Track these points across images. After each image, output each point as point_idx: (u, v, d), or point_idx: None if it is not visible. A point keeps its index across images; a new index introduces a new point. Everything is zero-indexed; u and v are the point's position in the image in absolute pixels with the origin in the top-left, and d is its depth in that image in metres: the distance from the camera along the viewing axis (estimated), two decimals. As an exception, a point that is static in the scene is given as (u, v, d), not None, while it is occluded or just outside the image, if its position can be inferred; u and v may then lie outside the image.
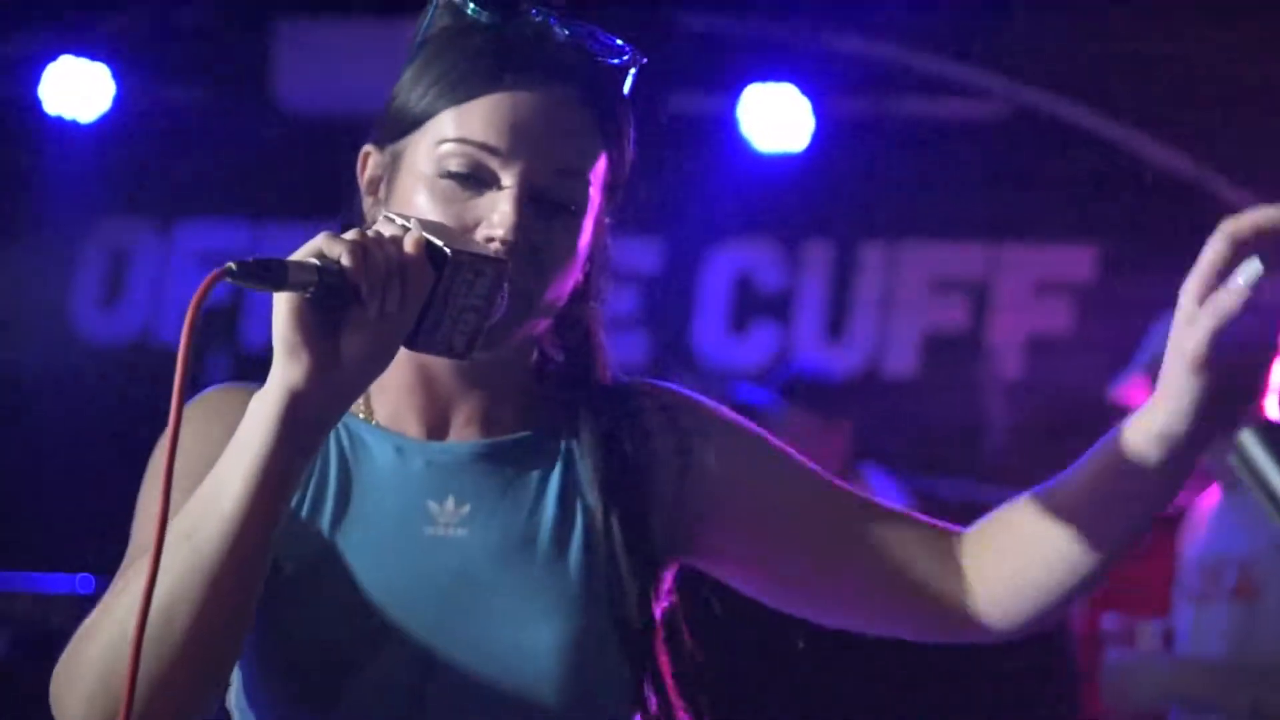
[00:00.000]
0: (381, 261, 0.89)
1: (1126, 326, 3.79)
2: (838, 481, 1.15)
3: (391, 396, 1.09)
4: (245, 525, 0.91)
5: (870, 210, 4.57)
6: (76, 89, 4.39)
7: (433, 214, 1.02)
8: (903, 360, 4.74)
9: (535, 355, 1.13)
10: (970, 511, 1.28)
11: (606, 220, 1.12)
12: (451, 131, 1.04)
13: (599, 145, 1.06)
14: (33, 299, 4.84)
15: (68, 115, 4.40)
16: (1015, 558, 1.05)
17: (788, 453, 1.14)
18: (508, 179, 1.02)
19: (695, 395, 1.17)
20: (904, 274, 4.61)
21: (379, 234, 0.92)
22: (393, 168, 1.08)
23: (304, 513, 1.06)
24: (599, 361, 1.15)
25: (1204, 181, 4.11)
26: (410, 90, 1.08)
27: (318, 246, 0.89)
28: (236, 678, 1.05)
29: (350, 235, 0.90)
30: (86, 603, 3.00)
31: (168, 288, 4.88)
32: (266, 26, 4.59)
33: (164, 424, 0.95)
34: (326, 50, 4.61)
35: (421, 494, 1.08)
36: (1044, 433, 4.25)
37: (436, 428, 1.09)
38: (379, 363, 0.93)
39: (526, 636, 1.05)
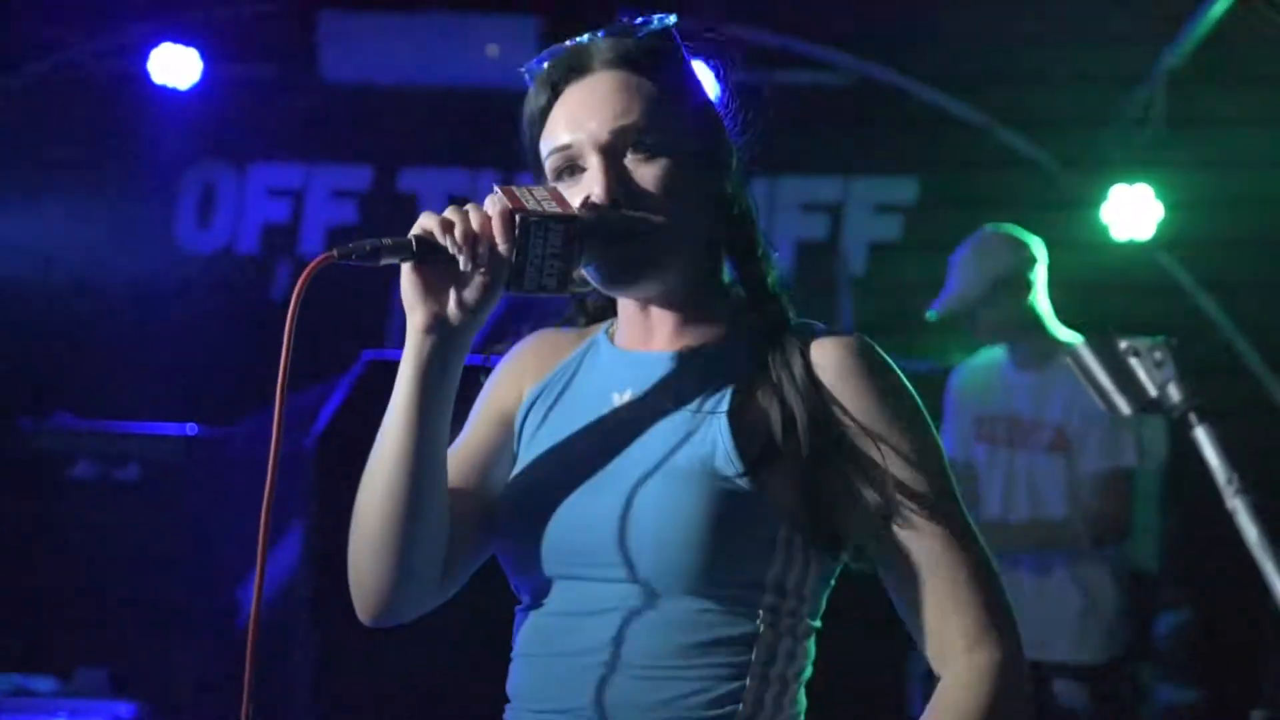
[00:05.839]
0: (464, 228, 0.92)
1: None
2: None
3: (622, 321, 1.11)
4: (399, 433, 0.98)
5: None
6: (175, 65, 4.65)
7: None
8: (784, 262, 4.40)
9: (723, 287, 1.10)
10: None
11: (732, 164, 1.05)
12: (545, 149, 1.06)
13: (639, 97, 1.01)
14: (144, 220, 5.17)
15: (170, 85, 4.67)
16: None
17: None
18: (590, 160, 1.02)
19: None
20: (777, 201, 4.88)
21: (471, 207, 0.94)
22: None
23: (539, 411, 1.09)
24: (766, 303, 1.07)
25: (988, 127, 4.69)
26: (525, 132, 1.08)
27: (419, 222, 0.94)
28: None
29: (446, 212, 0.93)
30: (194, 442, 3.79)
31: (245, 213, 5.22)
32: (314, 16, 4.76)
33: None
34: (360, 34, 4.76)
35: (609, 386, 1.08)
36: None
37: (644, 341, 1.10)
38: (486, 303, 0.95)
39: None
